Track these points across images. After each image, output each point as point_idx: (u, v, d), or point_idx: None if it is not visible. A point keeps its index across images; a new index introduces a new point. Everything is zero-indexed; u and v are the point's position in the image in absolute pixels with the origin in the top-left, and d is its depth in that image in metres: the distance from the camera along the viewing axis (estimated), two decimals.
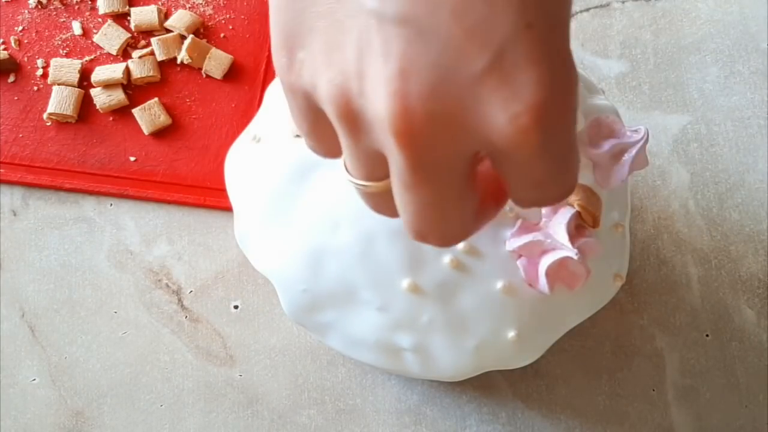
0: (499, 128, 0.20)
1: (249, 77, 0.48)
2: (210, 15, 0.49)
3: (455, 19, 0.20)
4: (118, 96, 0.47)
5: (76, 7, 0.49)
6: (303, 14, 0.22)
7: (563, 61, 0.21)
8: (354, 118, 0.21)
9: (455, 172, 0.22)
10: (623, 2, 0.51)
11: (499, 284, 0.34)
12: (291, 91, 0.23)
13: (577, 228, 0.34)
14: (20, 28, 0.48)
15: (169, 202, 0.46)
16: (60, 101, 0.46)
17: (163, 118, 0.47)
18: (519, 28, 0.20)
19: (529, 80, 0.20)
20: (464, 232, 0.24)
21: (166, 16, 0.49)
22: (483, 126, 0.20)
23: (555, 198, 0.23)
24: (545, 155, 0.21)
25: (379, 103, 0.20)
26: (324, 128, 0.24)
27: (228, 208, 0.45)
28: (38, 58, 0.48)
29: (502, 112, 0.20)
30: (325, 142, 0.25)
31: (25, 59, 0.48)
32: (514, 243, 0.34)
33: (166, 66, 0.48)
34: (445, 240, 0.24)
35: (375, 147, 0.22)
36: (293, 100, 0.23)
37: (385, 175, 0.23)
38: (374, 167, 0.23)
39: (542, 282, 0.33)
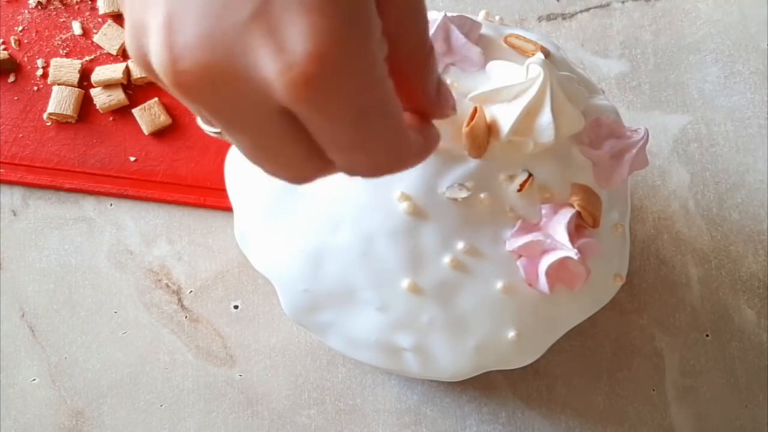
0: (271, 82, 0.19)
1: None
2: None
3: None
4: (118, 96, 0.47)
5: (76, 7, 0.49)
6: None
7: (345, 6, 0.18)
8: (141, 58, 0.21)
9: (264, 121, 0.20)
10: (623, 2, 0.51)
11: (499, 284, 0.34)
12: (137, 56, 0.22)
13: (577, 228, 0.34)
14: (20, 28, 0.48)
15: (169, 202, 0.46)
16: (60, 101, 0.46)
17: (163, 118, 0.47)
18: None
19: (299, 29, 0.18)
20: (308, 173, 0.22)
21: None
22: (257, 79, 0.19)
23: (367, 168, 0.22)
24: (331, 117, 0.19)
25: (153, 50, 0.19)
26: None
27: (228, 208, 0.45)
28: (38, 58, 0.48)
29: (271, 65, 0.18)
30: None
31: (25, 59, 0.48)
32: (514, 243, 0.34)
33: None
34: (292, 180, 0.22)
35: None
36: (139, 64, 0.22)
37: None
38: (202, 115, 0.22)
39: (542, 282, 0.33)
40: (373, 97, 0.20)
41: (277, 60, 0.18)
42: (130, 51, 0.21)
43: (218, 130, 0.23)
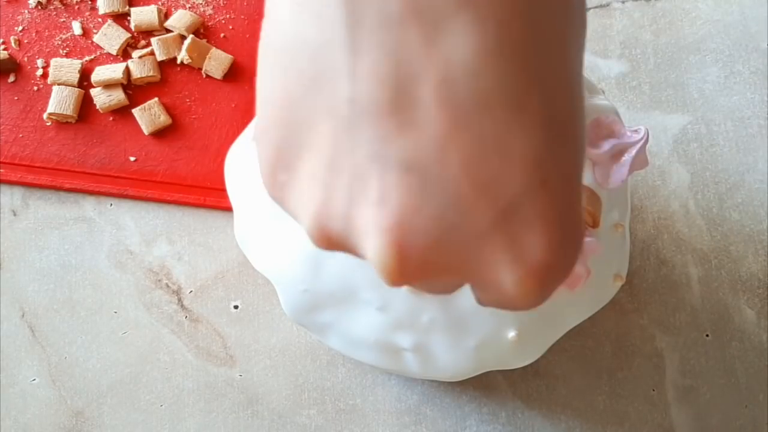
0: (502, 287, 0.19)
1: (249, 77, 0.48)
2: (210, 15, 0.49)
3: (465, 171, 0.18)
4: (118, 96, 0.47)
5: (76, 7, 0.49)
6: (292, 137, 0.20)
7: (574, 220, 0.19)
8: (333, 245, 0.20)
9: (446, 288, 0.21)
10: (623, 2, 0.51)
11: None
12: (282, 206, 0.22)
13: None
14: (20, 28, 0.48)
15: (169, 202, 0.46)
16: (60, 101, 0.46)
17: (163, 118, 0.47)
18: (533, 185, 0.18)
19: (538, 242, 0.19)
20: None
21: (166, 16, 0.49)
22: (483, 281, 0.20)
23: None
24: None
25: (370, 251, 0.19)
26: None
27: (228, 208, 0.45)
28: (38, 58, 0.48)
29: (507, 274, 0.19)
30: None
31: (25, 59, 0.48)
32: None
33: (166, 66, 0.48)
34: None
35: None
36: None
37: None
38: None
39: None
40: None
41: (514, 270, 0.19)
42: (310, 231, 0.20)
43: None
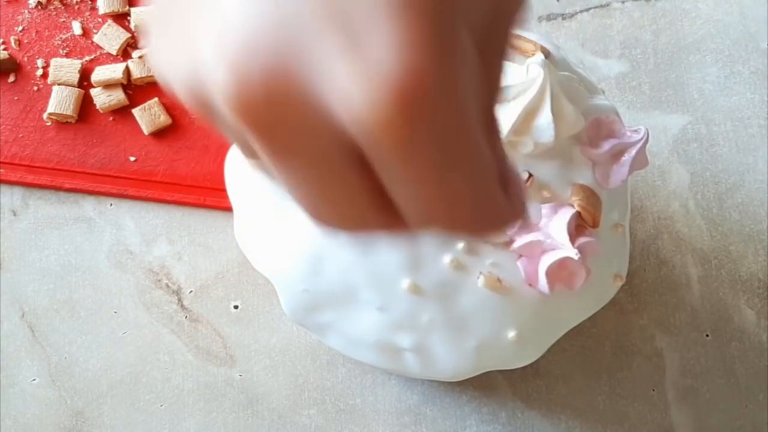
0: (349, 108, 0.14)
1: None
2: None
3: None
4: (118, 96, 0.47)
5: (76, 7, 0.49)
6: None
7: (440, 17, 0.14)
8: (203, 103, 0.17)
9: (328, 159, 0.16)
10: (623, 2, 0.51)
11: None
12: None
13: (577, 228, 0.34)
14: (20, 28, 0.48)
15: (169, 202, 0.46)
16: (60, 101, 0.46)
17: (163, 118, 0.47)
18: None
19: (387, 34, 0.14)
20: (368, 226, 0.18)
21: None
22: (333, 102, 0.15)
23: (447, 227, 0.17)
24: (418, 159, 0.15)
25: (213, 72, 0.16)
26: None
27: (228, 208, 0.45)
28: (38, 58, 0.48)
29: (349, 75, 0.14)
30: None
31: (25, 59, 0.48)
32: (514, 243, 0.34)
33: None
34: (349, 230, 0.18)
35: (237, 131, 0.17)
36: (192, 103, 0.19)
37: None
38: (246, 148, 0.18)
39: (542, 282, 0.33)
40: (469, 140, 0.15)
41: (357, 68, 0.14)
42: (174, 82, 0.17)
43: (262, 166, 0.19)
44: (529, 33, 0.37)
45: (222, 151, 0.46)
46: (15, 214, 0.46)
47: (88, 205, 0.46)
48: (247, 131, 0.16)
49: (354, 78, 0.14)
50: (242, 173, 0.37)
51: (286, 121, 0.15)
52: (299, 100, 0.15)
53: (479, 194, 0.16)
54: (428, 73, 0.14)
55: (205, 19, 0.16)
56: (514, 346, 0.35)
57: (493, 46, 0.17)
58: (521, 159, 0.34)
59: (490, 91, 0.17)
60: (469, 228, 0.17)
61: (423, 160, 0.15)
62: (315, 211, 0.18)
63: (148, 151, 0.47)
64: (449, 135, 0.15)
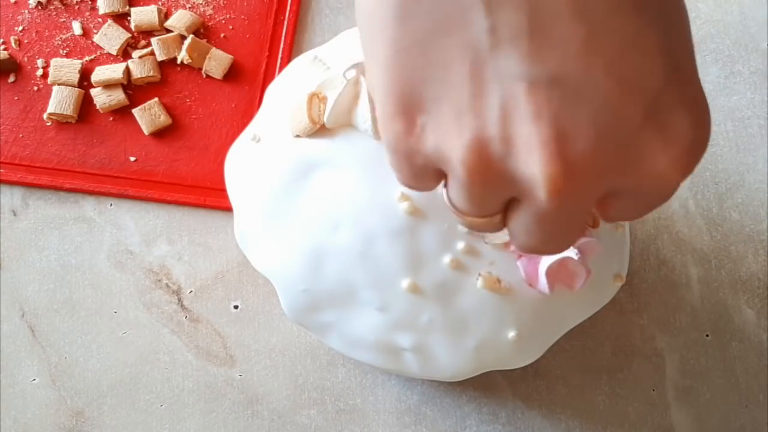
0: (660, 171, 0.21)
1: (249, 77, 0.48)
2: (210, 15, 0.49)
3: (609, 73, 0.19)
4: (118, 96, 0.47)
5: (76, 7, 0.49)
6: (425, 81, 0.21)
7: (703, 99, 0.21)
8: (491, 179, 0.21)
9: (587, 208, 0.22)
10: None
11: (499, 284, 0.34)
12: (407, 156, 0.23)
13: None
14: (20, 28, 0.48)
15: (169, 202, 0.46)
16: (60, 101, 0.46)
17: (163, 118, 0.47)
18: (669, 71, 0.20)
19: (684, 123, 0.20)
20: (572, 244, 0.24)
21: (166, 16, 0.49)
22: (641, 171, 0.21)
23: (536, 251, 0.24)
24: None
25: (533, 166, 0.20)
26: (429, 180, 0.24)
27: (228, 208, 0.45)
28: (38, 58, 0.48)
29: (662, 157, 0.20)
30: (425, 186, 0.25)
31: (25, 59, 0.48)
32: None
33: (166, 66, 0.48)
34: (555, 252, 0.24)
35: (502, 196, 0.22)
36: (407, 164, 0.23)
37: (498, 212, 0.23)
38: (492, 209, 0.23)
39: (542, 282, 0.33)
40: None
41: (668, 152, 0.20)
42: (458, 157, 0.21)
43: (475, 219, 0.24)
44: None
45: (222, 151, 0.46)
46: (15, 214, 0.46)
47: (88, 205, 0.46)
48: (543, 203, 0.21)
49: (665, 150, 0.21)
50: (242, 173, 0.37)
51: (583, 193, 0.21)
52: (606, 175, 0.21)
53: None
54: (702, 140, 0.22)
55: (515, 109, 0.20)
56: (514, 346, 0.35)
57: None
58: None
59: None
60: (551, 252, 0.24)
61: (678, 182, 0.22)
62: (538, 243, 0.23)
63: (148, 151, 0.47)
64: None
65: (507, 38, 0.20)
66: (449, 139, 0.21)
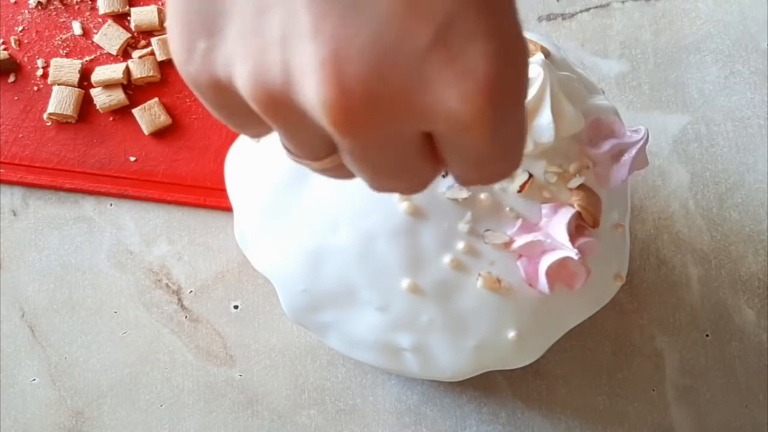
0: (450, 108, 0.18)
1: None
2: None
3: None
4: (118, 96, 0.47)
5: (76, 7, 0.49)
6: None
7: (514, 33, 0.19)
8: (283, 110, 0.19)
9: (404, 149, 0.20)
10: (623, 2, 0.51)
11: (500, 284, 0.34)
12: (195, 86, 0.20)
13: (577, 228, 0.34)
14: (20, 28, 0.48)
15: (169, 202, 0.46)
16: (60, 101, 0.46)
17: (163, 118, 0.47)
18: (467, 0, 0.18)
19: (480, 54, 0.18)
20: (425, 185, 0.22)
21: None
22: (430, 106, 0.18)
23: (498, 177, 0.22)
24: (496, 136, 0.19)
25: (310, 91, 0.18)
26: (245, 122, 0.21)
27: (228, 208, 0.45)
28: (38, 58, 0.48)
29: (453, 91, 0.18)
30: (247, 131, 0.22)
31: (25, 59, 0.48)
32: (514, 243, 0.34)
33: (167, 66, 0.48)
34: (408, 193, 0.22)
35: (314, 131, 0.20)
36: (200, 95, 0.21)
37: (331, 151, 0.21)
38: (318, 148, 0.21)
39: (542, 282, 0.33)
40: (523, 118, 0.20)
41: (459, 85, 0.18)
42: (243, 86, 0.19)
43: (313, 162, 0.22)
44: (529, 33, 0.37)
45: (222, 151, 0.46)
46: (15, 214, 0.46)
47: (88, 205, 0.46)
48: (334, 134, 0.19)
49: (454, 85, 0.18)
50: (242, 173, 0.37)
51: (383, 124, 0.19)
52: (393, 109, 0.18)
53: (521, 151, 0.21)
54: (505, 77, 0.18)
55: (295, 27, 0.18)
56: (514, 346, 0.35)
57: None
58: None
59: None
60: (501, 176, 0.22)
61: (502, 140, 0.20)
62: (376, 182, 0.21)
63: (148, 151, 0.47)
64: (515, 114, 0.20)
65: None
66: (235, 66, 0.19)
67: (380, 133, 0.19)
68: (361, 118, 0.18)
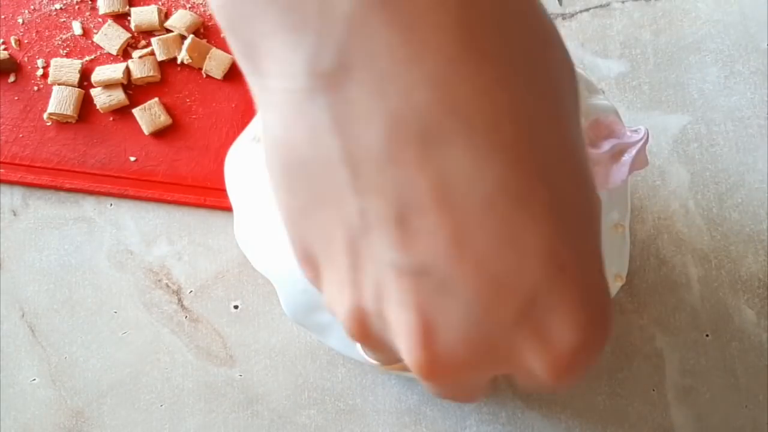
0: (534, 373, 0.20)
1: None
2: (210, 15, 0.49)
3: (479, 270, 0.18)
4: (119, 96, 0.47)
5: (76, 7, 0.49)
6: (314, 244, 0.21)
7: (599, 296, 0.20)
8: (375, 344, 0.21)
9: (478, 385, 0.22)
10: (623, 2, 0.51)
11: None
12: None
13: None
14: (20, 28, 0.48)
15: (169, 202, 0.46)
16: (60, 101, 0.46)
17: (163, 118, 0.47)
18: (550, 273, 0.18)
19: (563, 328, 0.19)
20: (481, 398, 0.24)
21: (167, 16, 0.49)
22: (515, 366, 0.20)
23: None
24: (566, 384, 0.20)
25: (403, 350, 0.20)
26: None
27: (228, 208, 0.45)
28: (38, 58, 0.48)
29: (536, 362, 0.19)
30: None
31: (25, 59, 0.48)
32: None
33: (167, 66, 0.48)
34: (466, 402, 0.25)
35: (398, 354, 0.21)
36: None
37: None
38: (396, 360, 0.22)
39: None
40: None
41: (543, 356, 0.19)
42: (342, 319, 0.21)
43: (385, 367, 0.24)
44: None
45: (222, 151, 0.46)
46: (15, 214, 0.46)
47: (88, 205, 0.46)
48: (420, 378, 0.20)
49: (541, 356, 0.19)
50: (242, 173, 0.37)
51: (461, 377, 0.20)
52: (480, 370, 0.20)
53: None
54: (587, 343, 0.19)
55: (385, 292, 0.20)
56: None
57: None
58: None
59: None
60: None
61: (566, 385, 0.21)
62: (439, 394, 0.23)
63: (148, 151, 0.47)
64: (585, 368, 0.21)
65: (376, 223, 0.19)
66: (336, 302, 0.21)
67: (463, 379, 0.21)
68: (448, 375, 0.20)
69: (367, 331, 0.21)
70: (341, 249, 0.20)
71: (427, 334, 0.19)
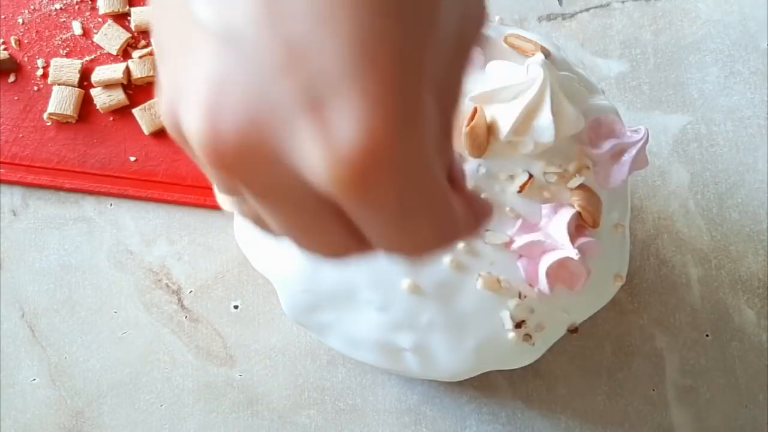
0: (314, 172, 0.17)
1: None
2: None
3: (283, 39, 0.16)
4: (119, 96, 0.47)
5: (76, 7, 0.49)
6: (165, 40, 0.19)
7: (409, 103, 0.16)
8: (182, 141, 0.19)
9: (303, 202, 0.18)
10: (623, 2, 0.51)
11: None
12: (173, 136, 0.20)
13: (577, 228, 0.34)
14: (20, 28, 0.48)
15: (169, 202, 0.46)
16: (60, 101, 0.46)
17: None
18: (356, 61, 0.16)
19: (352, 119, 0.16)
20: (344, 252, 0.20)
21: None
22: (300, 163, 0.17)
23: (411, 252, 0.19)
24: (377, 212, 0.17)
25: (191, 120, 0.18)
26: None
27: None
28: (38, 58, 0.48)
29: (316, 155, 0.16)
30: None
31: (25, 59, 0.48)
32: (514, 243, 0.34)
33: None
34: (328, 256, 0.20)
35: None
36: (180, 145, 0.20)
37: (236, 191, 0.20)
38: (226, 187, 0.20)
39: (542, 282, 0.33)
40: (428, 187, 0.18)
41: (322, 150, 0.16)
42: (162, 113, 0.19)
43: (239, 206, 0.21)
44: (529, 33, 0.37)
45: None
46: (15, 214, 0.46)
47: (88, 205, 0.46)
48: (218, 174, 0.18)
49: (319, 150, 0.16)
50: None
51: (258, 173, 0.17)
52: (270, 159, 0.17)
53: (439, 223, 0.19)
54: (389, 140, 0.16)
55: (189, 65, 0.18)
56: (514, 346, 0.35)
57: (450, 87, 0.19)
58: (521, 159, 0.34)
59: (447, 124, 0.19)
60: (434, 249, 0.19)
61: (386, 212, 0.17)
62: (296, 240, 0.20)
63: (148, 151, 0.47)
64: (408, 190, 0.17)
65: None
66: (161, 96, 0.19)
67: (264, 178, 0.18)
68: (234, 155, 0.17)
69: (173, 122, 0.19)
70: (172, 33, 0.18)
71: (215, 103, 0.17)
